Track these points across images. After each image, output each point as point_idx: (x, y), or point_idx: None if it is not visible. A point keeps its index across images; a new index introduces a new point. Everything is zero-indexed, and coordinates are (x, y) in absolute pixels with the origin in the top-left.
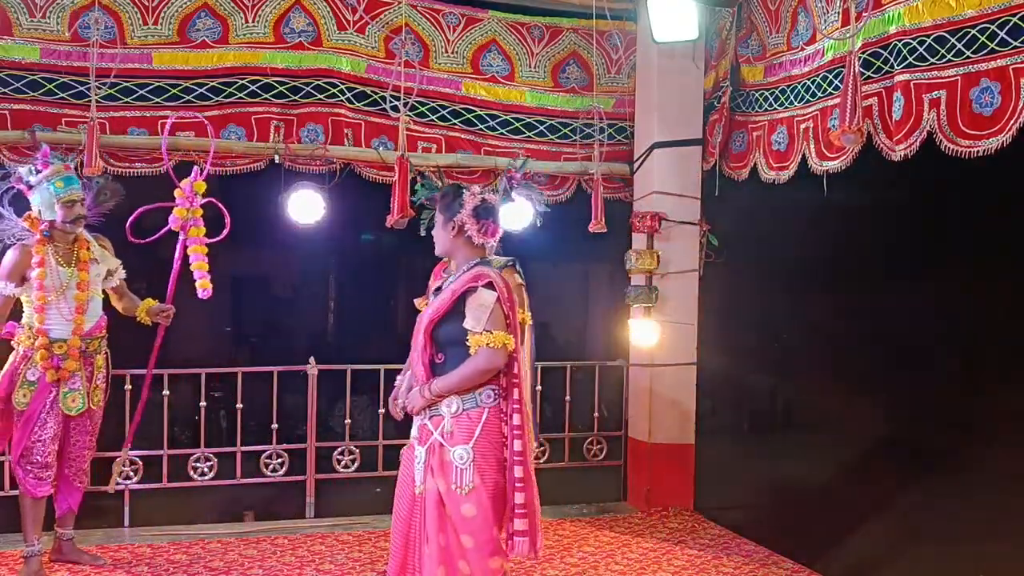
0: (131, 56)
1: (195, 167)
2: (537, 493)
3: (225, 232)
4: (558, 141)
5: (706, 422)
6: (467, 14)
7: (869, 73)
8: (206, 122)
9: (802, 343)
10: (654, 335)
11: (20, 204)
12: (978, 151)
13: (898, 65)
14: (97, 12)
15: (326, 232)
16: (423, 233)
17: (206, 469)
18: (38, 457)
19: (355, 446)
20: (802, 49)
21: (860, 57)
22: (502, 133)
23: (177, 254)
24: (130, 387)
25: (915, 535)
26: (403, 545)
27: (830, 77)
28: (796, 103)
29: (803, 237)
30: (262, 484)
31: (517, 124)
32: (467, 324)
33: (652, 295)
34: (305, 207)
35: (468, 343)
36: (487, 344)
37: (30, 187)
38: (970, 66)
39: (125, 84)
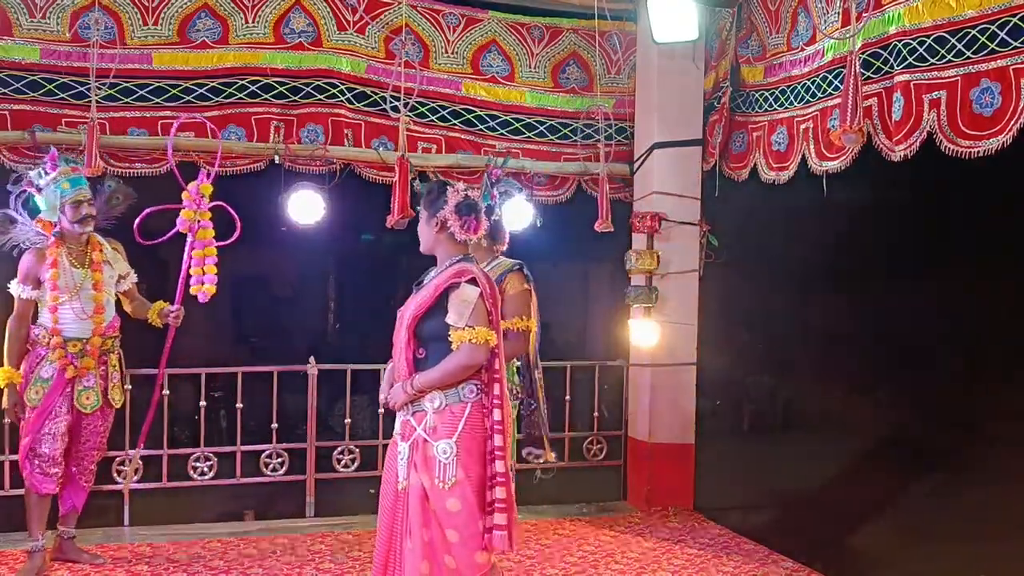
0: (131, 56)
1: (202, 170)
2: (513, 489)
3: (235, 236)
4: (558, 141)
5: (706, 422)
6: (467, 14)
7: (869, 73)
8: (208, 123)
9: (802, 343)
10: (654, 335)
11: (35, 209)
12: (978, 151)
13: (898, 65)
14: (97, 12)
15: (326, 232)
16: None
17: (206, 468)
18: (46, 450)
19: (355, 446)
20: (802, 49)
21: (860, 57)
22: (502, 133)
23: (186, 256)
24: (130, 387)
25: (916, 534)
26: (387, 540)
27: (830, 77)
28: (796, 103)
29: (803, 237)
30: (262, 483)
31: (517, 124)
32: (449, 319)
33: (652, 295)
34: (305, 207)
35: (450, 338)
36: (469, 340)
37: (39, 190)
38: (970, 66)
39: (125, 84)
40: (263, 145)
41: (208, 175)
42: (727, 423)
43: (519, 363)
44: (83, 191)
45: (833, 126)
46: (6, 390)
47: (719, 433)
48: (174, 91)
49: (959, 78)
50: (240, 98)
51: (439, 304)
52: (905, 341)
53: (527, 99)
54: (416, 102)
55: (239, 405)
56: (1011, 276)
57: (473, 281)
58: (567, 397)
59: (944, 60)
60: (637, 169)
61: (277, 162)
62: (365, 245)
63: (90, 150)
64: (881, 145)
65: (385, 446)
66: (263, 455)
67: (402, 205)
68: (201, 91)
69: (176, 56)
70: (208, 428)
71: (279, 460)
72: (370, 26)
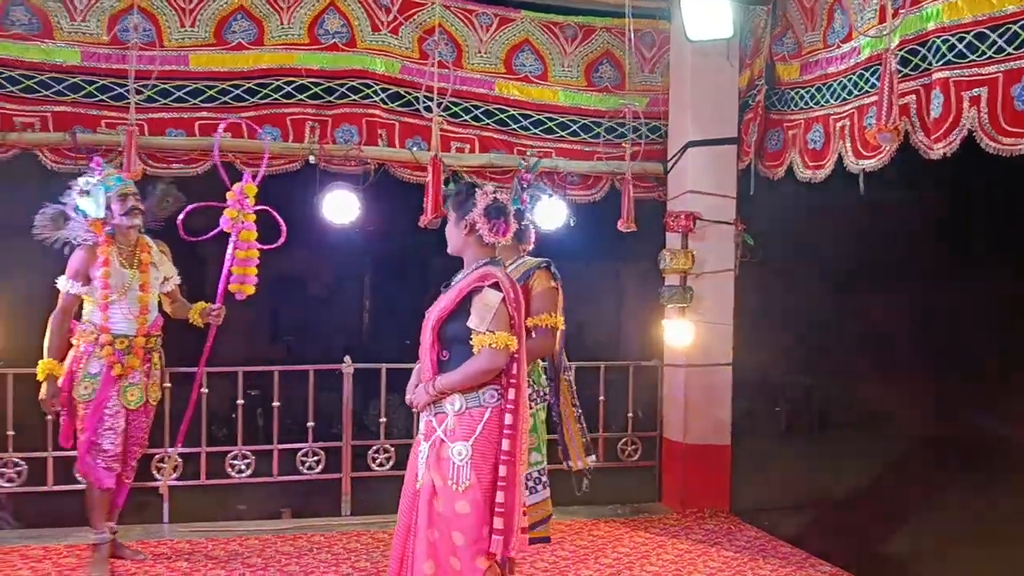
0: (168, 58)
1: (247, 171)
2: (520, 495)
3: (281, 240)
4: (591, 141)
5: (742, 423)
6: (500, 14)
7: (906, 71)
8: (246, 123)
9: (839, 343)
10: (689, 335)
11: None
12: (1021, 149)
13: (936, 62)
14: (135, 15)
15: (361, 232)
16: None
17: (244, 467)
18: (109, 446)
19: (390, 444)
20: (838, 47)
21: (897, 54)
22: (535, 133)
23: (228, 255)
24: (169, 385)
25: (959, 538)
26: (404, 538)
27: (867, 75)
28: (832, 101)
29: (840, 236)
30: (299, 481)
31: (550, 124)
32: (471, 323)
33: (687, 295)
34: (340, 207)
35: (472, 342)
36: (489, 344)
37: (87, 193)
38: (1012, 62)
39: (163, 86)
40: (298, 145)
41: (253, 176)
42: (763, 424)
43: (544, 363)
44: (129, 185)
45: (870, 124)
46: (45, 382)
47: (755, 434)
48: (211, 92)
49: (1000, 74)
50: (275, 99)
51: (462, 307)
52: (945, 340)
53: (560, 98)
54: (449, 102)
55: (276, 404)
56: None
57: (496, 286)
58: (601, 397)
59: (985, 56)
60: (671, 168)
61: (312, 162)
62: (399, 245)
63: (129, 152)
64: (919, 143)
65: None
66: (300, 453)
67: (435, 205)
68: (237, 92)
69: (213, 57)
70: (245, 426)
71: (315, 459)
72: (404, 26)
